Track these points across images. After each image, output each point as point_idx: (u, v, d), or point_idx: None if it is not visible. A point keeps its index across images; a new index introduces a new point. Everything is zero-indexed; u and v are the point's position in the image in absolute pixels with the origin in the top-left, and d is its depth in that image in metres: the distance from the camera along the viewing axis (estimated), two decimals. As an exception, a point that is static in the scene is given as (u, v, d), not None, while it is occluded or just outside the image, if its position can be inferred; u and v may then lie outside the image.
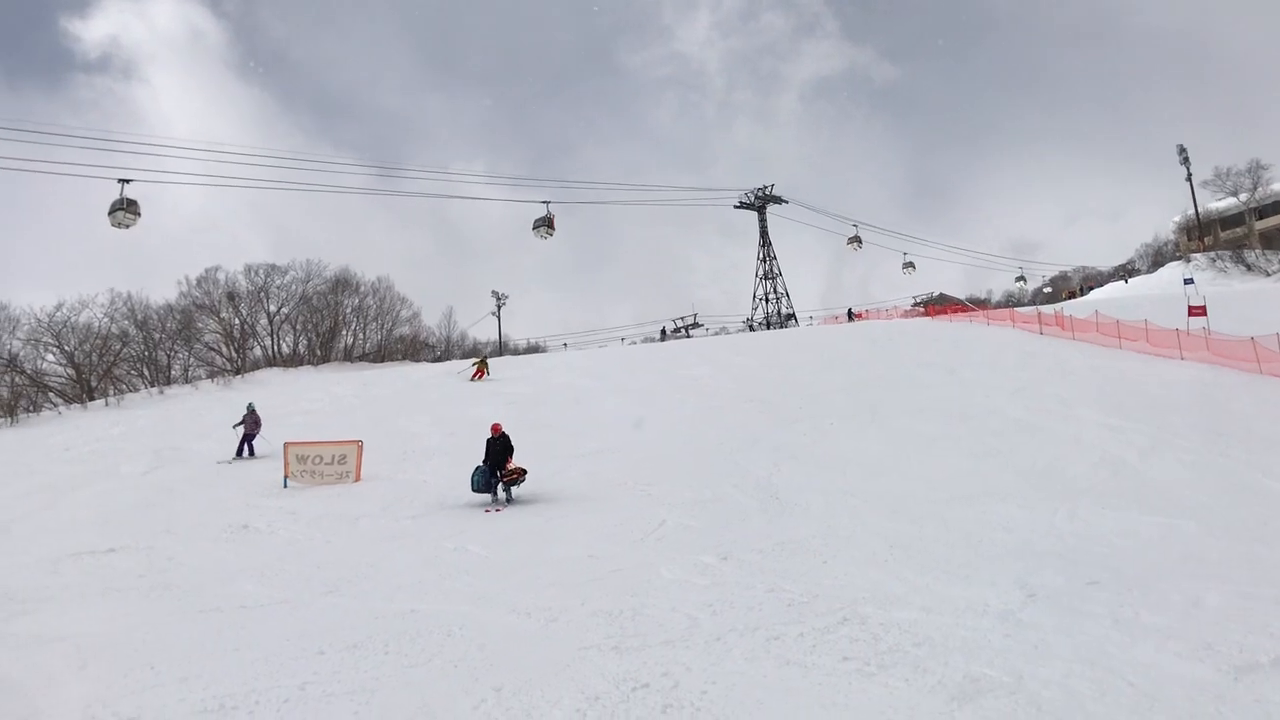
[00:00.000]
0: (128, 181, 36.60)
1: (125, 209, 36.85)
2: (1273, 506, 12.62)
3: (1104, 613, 7.85)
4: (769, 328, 79.66)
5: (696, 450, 20.73)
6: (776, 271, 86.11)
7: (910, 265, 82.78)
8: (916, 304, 76.98)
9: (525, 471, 17.29)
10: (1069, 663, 6.54)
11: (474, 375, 40.19)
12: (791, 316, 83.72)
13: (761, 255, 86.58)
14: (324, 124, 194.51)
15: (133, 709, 6.55)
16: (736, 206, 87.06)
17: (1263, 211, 74.36)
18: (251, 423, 24.51)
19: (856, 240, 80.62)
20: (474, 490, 17.07)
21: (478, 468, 17.39)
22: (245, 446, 24.01)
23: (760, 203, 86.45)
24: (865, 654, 6.98)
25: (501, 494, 17.16)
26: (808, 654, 7.08)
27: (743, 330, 77.75)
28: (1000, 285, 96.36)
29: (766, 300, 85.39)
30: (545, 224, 68.07)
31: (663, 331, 73.63)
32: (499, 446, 17.74)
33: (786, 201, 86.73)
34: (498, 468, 17.32)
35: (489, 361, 43.65)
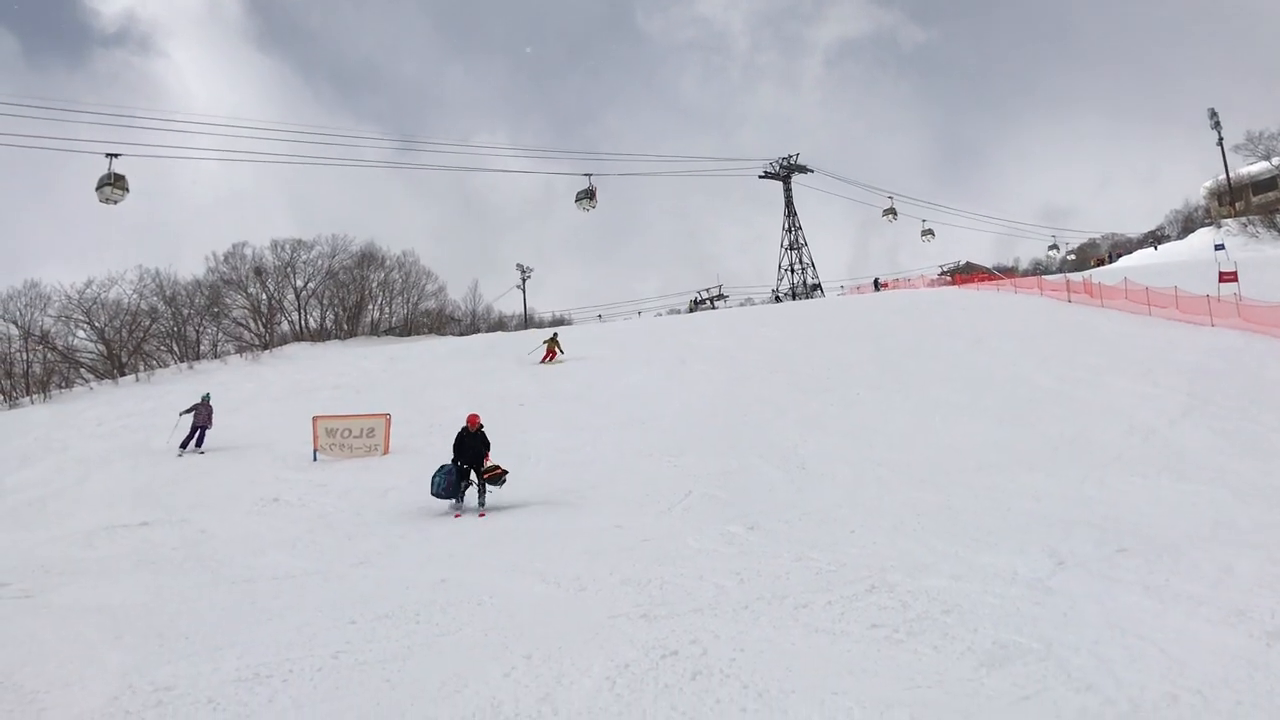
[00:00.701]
0: (116, 156, 36.62)
1: (113, 184, 36.84)
2: (1305, 473, 12.50)
3: (1134, 580, 7.81)
4: (795, 298, 79.34)
5: (723, 421, 20.73)
6: (802, 242, 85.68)
7: (929, 233, 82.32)
8: (943, 273, 76.44)
9: (506, 471, 14.93)
10: (1099, 629, 6.52)
11: (544, 358, 34.86)
12: (817, 287, 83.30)
13: (787, 225, 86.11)
14: (344, 95, 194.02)
15: (168, 677, 6.65)
16: (761, 176, 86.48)
17: (1297, 176, 73.22)
18: (205, 414, 22.29)
19: (892, 212, 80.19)
20: (434, 494, 14.51)
21: (442, 467, 14.80)
22: (195, 437, 21.84)
23: (785, 172, 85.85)
24: (894, 621, 6.99)
25: (473, 499, 14.69)
26: (835, 621, 7.09)
27: (769, 301, 77.42)
28: (1027, 253, 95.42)
29: (792, 271, 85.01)
30: (588, 196, 68.84)
31: (692, 304, 73.07)
32: (473, 442, 15.10)
33: (812, 171, 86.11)
34: (472, 467, 14.83)
35: (559, 339, 36.50)
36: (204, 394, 23.66)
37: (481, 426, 15.45)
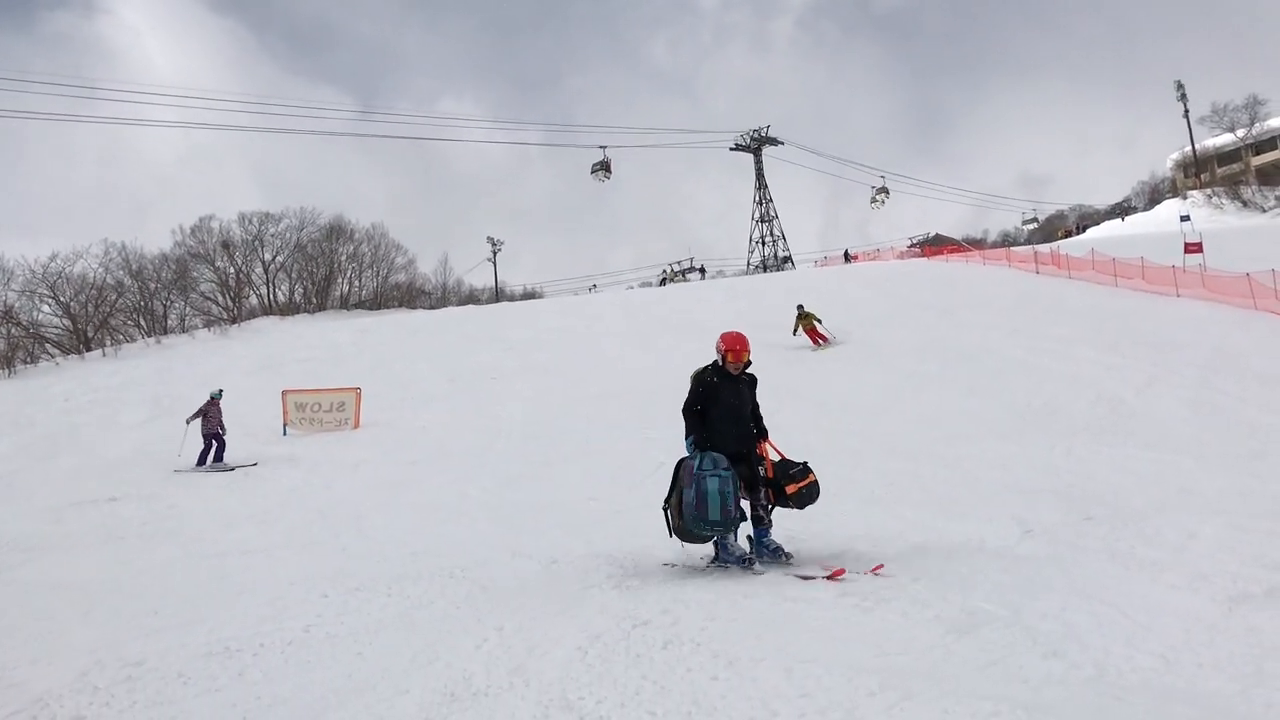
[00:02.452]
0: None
1: None
2: (1267, 440, 12.69)
3: (1100, 547, 7.91)
4: (765, 270, 79.48)
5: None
6: (773, 214, 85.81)
7: (884, 191, 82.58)
8: (913, 245, 76.74)
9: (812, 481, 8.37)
10: (1065, 596, 6.60)
11: (813, 338, 26.96)
12: (788, 259, 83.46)
13: (758, 198, 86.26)
14: (301, 56, 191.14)
15: (137, 653, 6.62)
16: (732, 149, 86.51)
17: (1259, 147, 74.02)
18: (215, 418, 18.41)
19: (884, 192, 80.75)
20: (703, 532, 7.71)
21: (719, 477, 7.61)
22: (212, 451, 18.01)
23: (756, 145, 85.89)
24: (863, 589, 7.04)
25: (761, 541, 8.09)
26: (805, 590, 7.14)
27: (741, 274, 77.50)
28: (998, 224, 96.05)
29: (763, 243, 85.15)
30: (603, 168, 71.30)
31: (663, 277, 72.77)
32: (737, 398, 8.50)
33: (782, 143, 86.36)
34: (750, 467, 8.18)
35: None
36: (213, 391, 19.28)
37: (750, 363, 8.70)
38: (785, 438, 15.50)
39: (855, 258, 70.92)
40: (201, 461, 17.55)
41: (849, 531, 9.13)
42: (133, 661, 6.43)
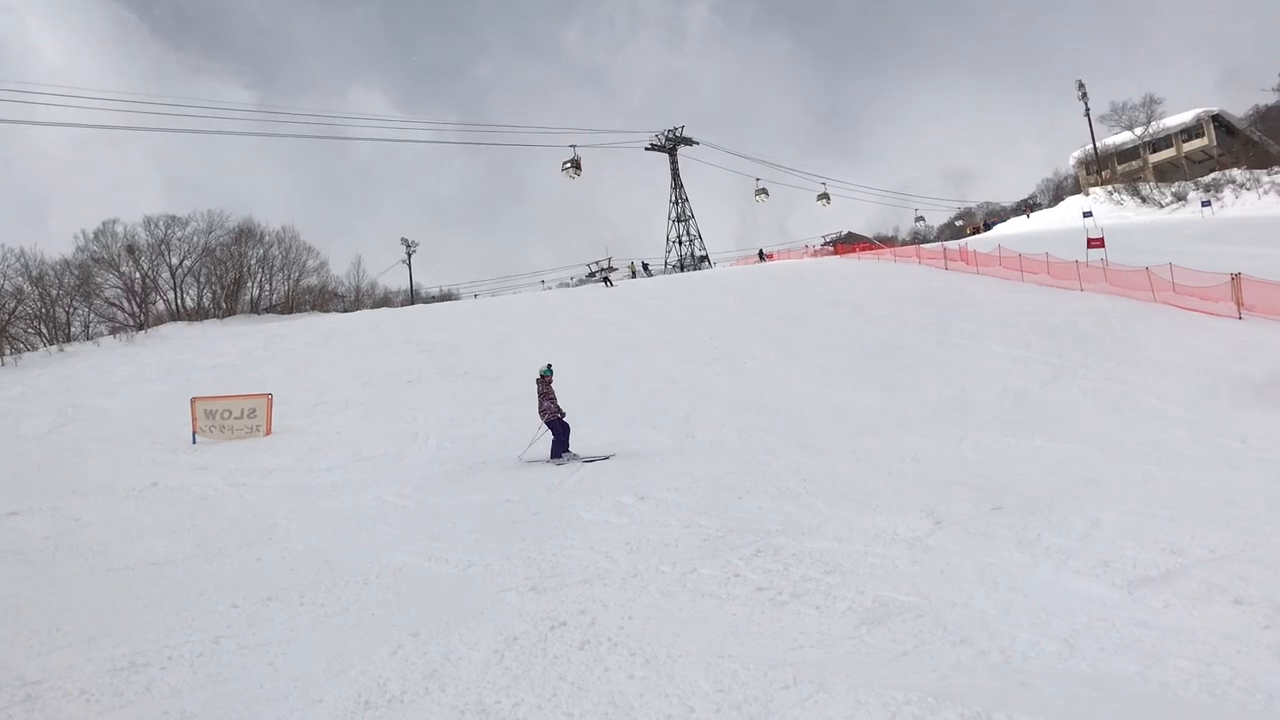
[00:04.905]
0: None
1: None
2: (1166, 430, 13.11)
3: (1008, 536, 8.11)
4: (683, 269, 79.88)
5: (613, 392, 20.80)
6: (689, 214, 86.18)
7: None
8: (826, 243, 77.75)
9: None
10: (974, 584, 6.76)
11: None
12: (705, 258, 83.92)
13: (674, 197, 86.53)
14: (189, 38, 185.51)
15: (37, 671, 6.40)
16: (648, 149, 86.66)
17: (1156, 145, 76.51)
18: (553, 401, 15.77)
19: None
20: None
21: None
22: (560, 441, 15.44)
23: (671, 144, 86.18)
24: (779, 584, 7.13)
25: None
26: (722, 586, 7.20)
27: (658, 273, 77.71)
28: (907, 223, 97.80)
29: (680, 243, 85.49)
30: (574, 165, 72.89)
31: (592, 274, 72.20)
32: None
33: (697, 143, 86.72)
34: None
35: None
36: (542, 368, 16.29)
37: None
38: (699, 436, 15.69)
39: (770, 256, 71.57)
40: (556, 453, 15.28)
41: (767, 526, 9.20)
42: (31, 680, 6.21)
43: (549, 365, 16.46)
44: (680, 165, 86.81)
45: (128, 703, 5.73)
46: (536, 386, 15.90)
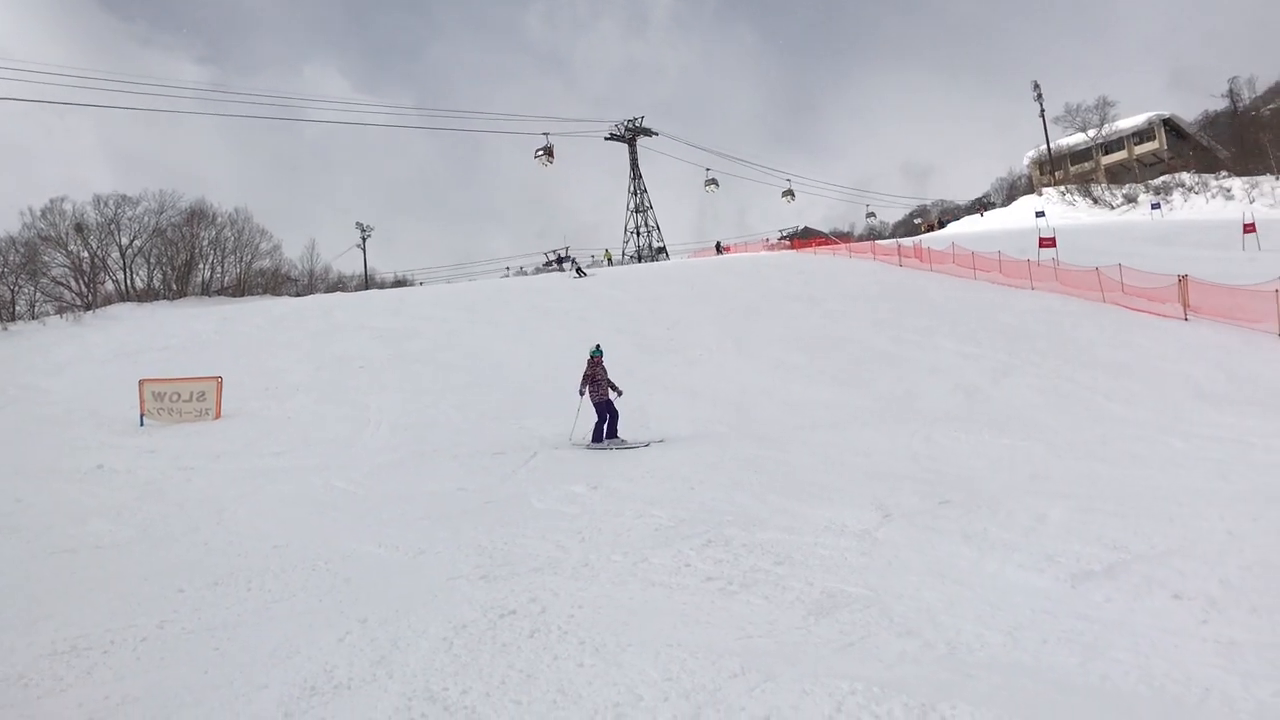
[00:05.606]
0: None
1: None
2: (1112, 427, 13.32)
3: (955, 530, 8.20)
4: (640, 260, 79.91)
5: (569, 382, 20.75)
6: (647, 204, 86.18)
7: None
8: (783, 237, 78.10)
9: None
10: (921, 577, 6.84)
11: None
12: (663, 250, 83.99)
13: (633, 188, 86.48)
14: (137, 11, 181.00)
15: (-25, 655, 6.29)
16: (607, 138, 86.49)
17: (1108, 147, 77.67)
18: (604, 384, 15.43)
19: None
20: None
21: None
22: (605, 425, 15.07)
23: (630, 135, 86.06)
24: (728, 574, 7.17)
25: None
26: (672, 575, 7.23)
27: (619, 262, 77.67)
28: (864, 219, 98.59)
29: (638, 233, 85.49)
30: (546, 152, 73.67)
31: (549, 262, 70.51)
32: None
33: (656, 134, 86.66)
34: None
35: None
36: (592, 349, 16.14)
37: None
38: (655, 426, 15.71)
39: (728, 249, 71.76)
40: (598, 437, 14.98)
41: (718, 517, 9.24)
42: (-31, 664, 6.10)
43: (598, 346, 16.34)
44: (640, 156, 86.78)
45: (68, 687, 5.64)
46: (591, 368, 15.57)
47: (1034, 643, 5.39)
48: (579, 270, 52.51)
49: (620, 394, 15.44)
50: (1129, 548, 7.22)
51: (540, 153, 77.33)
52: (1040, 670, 5.00)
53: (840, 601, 6.35)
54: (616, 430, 15.06)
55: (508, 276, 65.78)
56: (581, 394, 15.47)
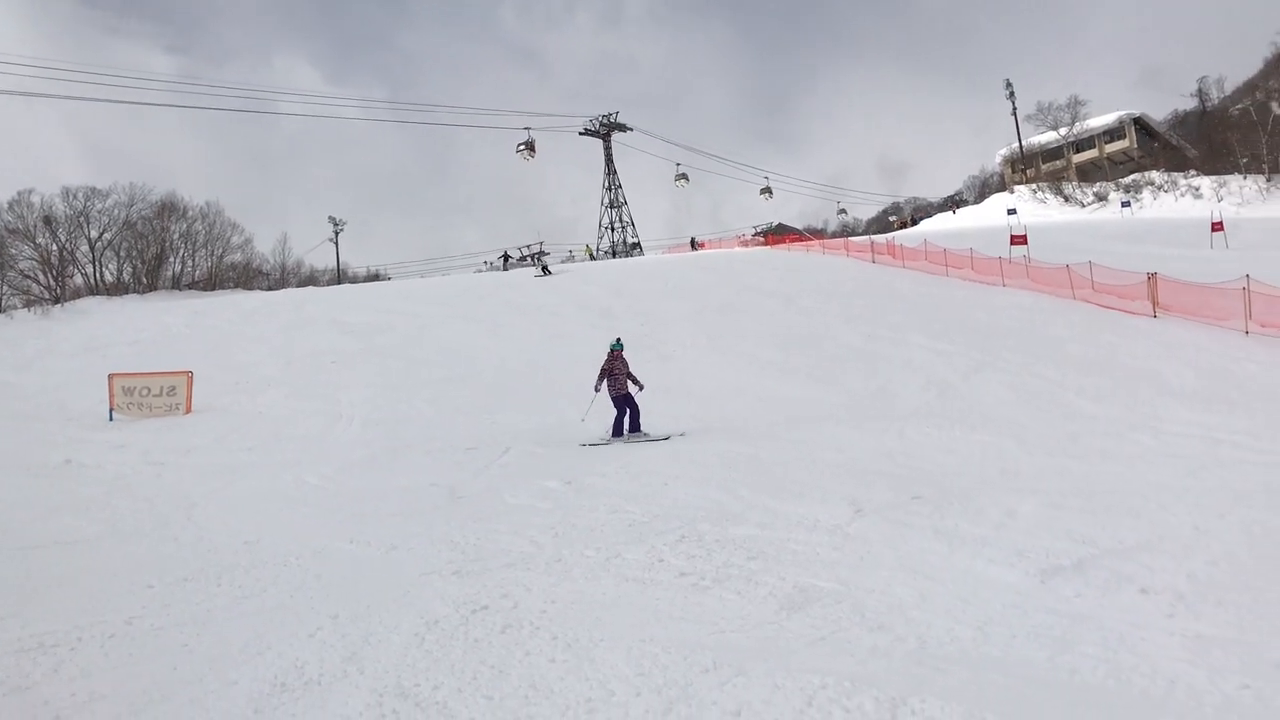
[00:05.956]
0: None
1: None
2: (1082, 423, 13.43)
3: (926, 525, 8.24)
4: (615, 256, 79.92)
5: (542, 378, 20.77)
6: (622, 200, 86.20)
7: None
8: (757, 233, 78.27)
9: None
10: (892, 572, 6.87)
11: None
12: (637, 245, 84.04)
13: (607, 184, 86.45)
14: (102, 2, 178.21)
15: (-62, 653, 6.20)
16: (581, 133, 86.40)
17: (1079, 146, 78.31)
18: (622, 377, 15.26)
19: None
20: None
21: None
22: (626, 419, 15.01)
23: (605, 130, 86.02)
24: (701, 569, 7.18)
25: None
26: (646, 571, 7.23)
27: (591, 258, 77.62)
28: (850, 212, 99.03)
29: (612, 229, 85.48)
30: (528, 147, 73.88)
31: (508, 257, 68.80)
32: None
33: (631, 129, 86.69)
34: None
35: None
36: (613, 342, 15.90)
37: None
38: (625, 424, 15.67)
39: (702, 245, 71.85)
40: (617, 431, 14.86)
41: (692, 513, 9.25)
42: (-68, 662, 6.02)
43: (619, 339, 16.06)
44: (615, 152, 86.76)
45: (34, 684, 5.58)
46: (609, 363, 15.35)
47: (1003, 637, 5.43)
48: (544, 269, 50.07)
49: (641, 388, 15.26)
50: (1098, 543, 7.28)
51: (522, 147, 77.81)
52: (1010, 664, 5.04)
53: (812, 596, 6.38)
54: (639, 424, 14.87)
55: (481, 272, 65.39)
56: (598, 389, 15.27)
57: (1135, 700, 4.51)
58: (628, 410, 14.96)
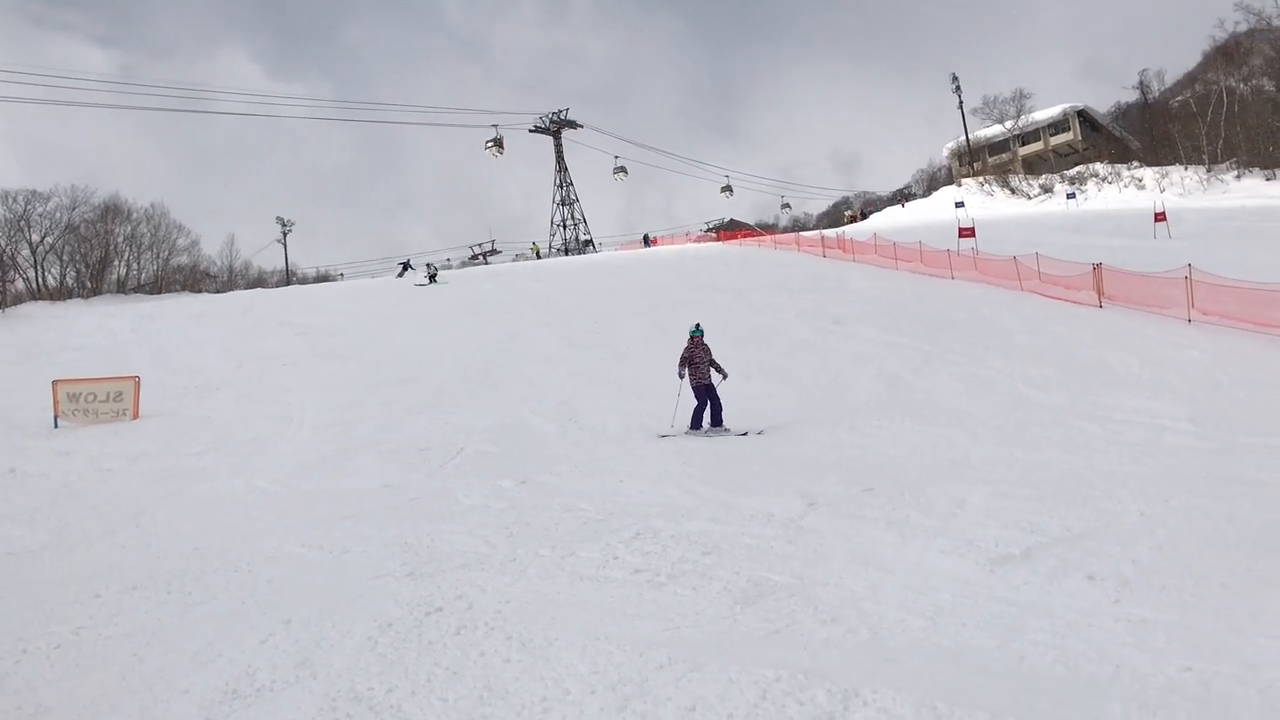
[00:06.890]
0: None
1: None
2: (1030, 413, 13.60)
3: (879, 516, 8.33)
4: (567, 253, 79.85)
5: (495, 376, 20.68)
6: (573, 197, 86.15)
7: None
8: (710, 229, 78.55)
9: None
10: (845, 564, 6.93)
11: None
12: (590, 242, 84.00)
13: (558, 180, 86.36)
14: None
15: (-120, 667, 6.07)
16: (532, 131, 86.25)
17: (1025, 139, 79.31)
18: (704, 365, 14.80)
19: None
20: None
21: None
22: (706, 411, 14.38)
23: (555, 127, 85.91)
24: (656, 565, 7.20)
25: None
26: (601, 569, 7.24)
27: (537, 257, 77.42)
28: (789, 210, 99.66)
29: (564, 226, 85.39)
30: (496, 144, 73.90)
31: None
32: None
33: (581, 126, 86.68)
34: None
35: None
36: (692, 328, 15.43)
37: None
38: (582, 420, 15.70)
39: (655, 241, 71.97)
40: (696, 424, 14.29)
41: (646, 509, 9.28)
42: (-128, 678, 5.88)
43: (698, 325, 15.53)
44: (565, 149, 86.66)
45: (-23, 698, 5.48)
46: (690, 349, 14.88)
47: (954, 626, 5.50)
48: (431, 277, 45.52)
49: (725, 377, 14.74)
50: (1045, 531, 7.39)
51: (490, 144, 79.05)
52: (960, 653, 5.10)
53: (766, 590, 6.42)
54: (721, 418, 14.31)
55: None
56: (681, 376, 14.78)
57: (1083, 685, 4.58)
58: (708, 402, 14.42)
